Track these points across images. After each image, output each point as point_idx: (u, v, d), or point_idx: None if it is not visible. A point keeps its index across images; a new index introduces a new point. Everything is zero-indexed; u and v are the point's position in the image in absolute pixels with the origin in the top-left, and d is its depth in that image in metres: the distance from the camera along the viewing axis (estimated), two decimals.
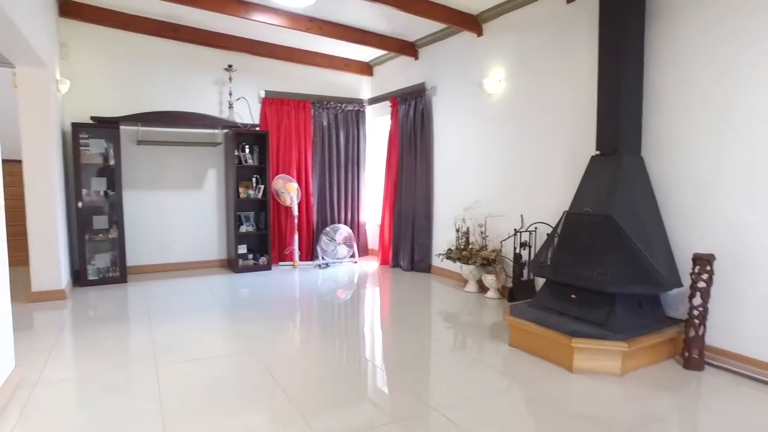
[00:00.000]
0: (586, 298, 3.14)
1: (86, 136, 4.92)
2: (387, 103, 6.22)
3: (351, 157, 6.68)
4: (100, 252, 5.11)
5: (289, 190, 5.96)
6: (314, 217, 6.49)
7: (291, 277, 5.61)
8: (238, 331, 3.68)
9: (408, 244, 5.83)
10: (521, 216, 4.44)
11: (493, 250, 4.61)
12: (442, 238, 5.45)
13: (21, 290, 4.54)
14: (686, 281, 3.11)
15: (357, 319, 4.13)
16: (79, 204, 4.89)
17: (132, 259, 5.57)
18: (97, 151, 4.99)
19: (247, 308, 4.33)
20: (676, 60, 3.23)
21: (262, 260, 5.94)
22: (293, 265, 6.12)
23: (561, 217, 3.42)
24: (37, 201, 4.31)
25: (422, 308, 4.37)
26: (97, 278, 5.04)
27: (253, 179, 5.86)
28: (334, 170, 6.56)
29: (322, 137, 6.47)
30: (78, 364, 3.05)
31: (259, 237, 6.01)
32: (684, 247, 3.21)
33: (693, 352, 2.99)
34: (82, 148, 4.90)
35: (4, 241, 2.65)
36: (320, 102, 6.39)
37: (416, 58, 5.80)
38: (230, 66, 5.76)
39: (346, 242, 6.37)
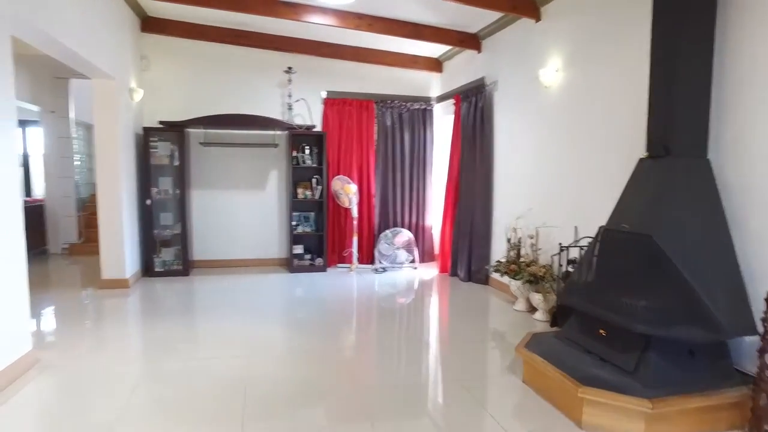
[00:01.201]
0: (616, 336, 2.51)
1: (156, 138, 5.34)
2: (452, 101, 5.81)
3: (416, 158, 6.38)
4: (165, 246, 5.52)
5: (347, 192, 5.87)
6: (375, 220, 6.32)
7: (343, 279, 5.51)
8: (284, 332, 3.66)
9: (466, 252, 5.37)
10: (575, 228, 3.78)
11: (543, 266, 4.00)
12: (501, 247, 4.91)
13: (96, 277, 5.07)
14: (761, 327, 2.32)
15: (390, 332, 3.86)
16: (148, 201, 5.32)
17: (198, 253, 5.94)
18: (164, 153, 5.38)
19: (296, 309, 4.36)
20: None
21: (318, 261, 5.94)
22: (350, 267, 6.02)
23: (597, 233, 2.79)
24: (106, 199, 4.76)
25: (461, 325, 3.96)
26: (162, 270, 5.45)
27: (313, 180, 5.88)
28: (397, 171, 6.32)
29: (386, 137, 6.26)
30: (102, 351, 3.25)
31: (317, 238, 6.02)
32: (764, 282, 2.41)
33: (763, 426, 2.21)
34: (151, 150, 5.33)
35: (22, 231, 2.89)
36: (384, 101, 6.20)
37: (479, 50, 5.31)
38: (290, 68, 5.83)
39: (406, 247, 6.09)
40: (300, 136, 5.83)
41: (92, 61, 4.03)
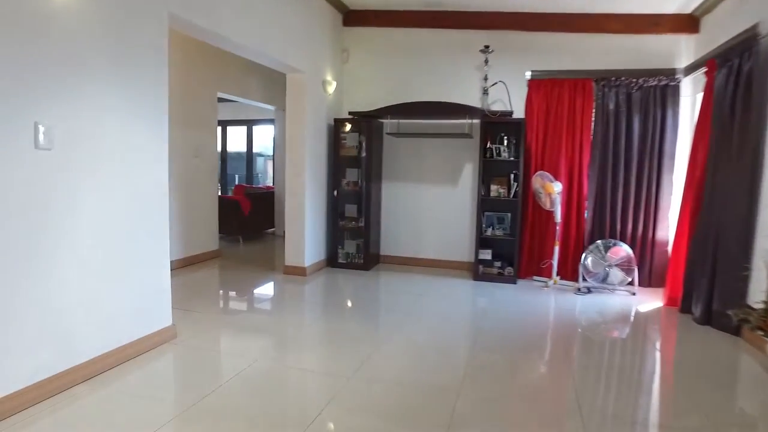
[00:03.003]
0: None
1: (347, 130, 5.33)
2: (702, 71, 4.15)
3: (649, 151, 4.83)
4: (349, 238, 5.48)
5: (548, 191, 4.82)
6: (586, 227, 5.06)
7: (536, 297, 4.53)
8: (458, 352, 3.15)
9: (706, 283, 3.73)
10: None
11: None
12: (763, 282, 3.21)
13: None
14: None
15: (585, 396, 2.88)
16: (335, 192, 5.36)
17: (382, 247, 5.76)
18: (353, 144, 5.33)
19: (476, 328, 3.68)
20: None
21: (508, 271, 5.06)
22: (546, 282, 4.95)
23: None
24: (292, 188, 4.94)
25: (695, 403, 2.57)
26: (345, 262, 5.44)
27: (511, 176, 5.04)
28: (620, 167, 4.91)
29: (606, 124, 4.93)
30: (242, 334, 3.26)
31: (509, 244, 5.14)
32: None
33: None
34: (342, 141, 5.34)
35: (166, 216, 3.03)
36: (607, 78, 4.87)
37: None
38: (487, 47, 5.07)
39: (623, 265, 4.68)
40: (495, 125, 5.05)
41: (278, 57, 4.18)
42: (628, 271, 4.67)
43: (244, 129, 9.63)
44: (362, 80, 5.68)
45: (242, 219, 6.75)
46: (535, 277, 5.18)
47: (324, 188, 5.36)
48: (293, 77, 4.80)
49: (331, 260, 5.49)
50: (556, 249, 4.93)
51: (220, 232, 6.86)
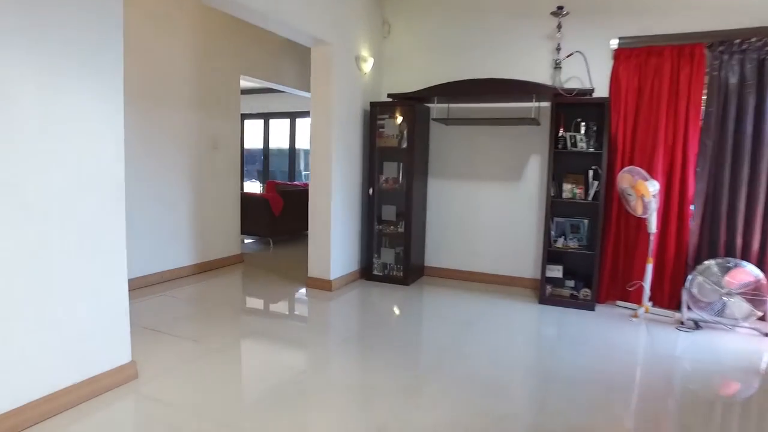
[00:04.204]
0: None
1: (385, 116, 4.45)
2: None
3: None
4: (387, 246, 4.60)
5: (639, 192, 3.70)
6: (691, 240, 3.87)
7: (622, 332, 3.43)
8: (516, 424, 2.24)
9: None
10: None
11: None
12: None
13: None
14: None
15: None
16: (370, 191, 4.49)
17: (429, 258, 4.83)
18: (392, 133, 4.44)
19: (545, 378, 2.70)
20: None
21: (584, 293, 3.98)
22: (636, 311, 3.82)
23: None
24: (317, 185, 4.13)
25: None
26: (380, 275, 4.56)
27: (590, 172, 3.96)
28: (743, 163, 3.67)
29: (724, 104, 3.71)
30: (207, 382, 2.48)
31: (586, 258, 4.05)
32: None
33: None
34: (380, 129, 4.47)
35: (122, 220, 2.30)
36: (727, 42, 3.66)
37: None
38: (560, 8, 4.00)
39: (748, 293, 3.47)
40: (570, 108, 3.98)
41: (294, 22, 3.38)
42: (756, 303, 3.46)
43: (286, 122, 9.02)
44: (405, 57, 4.78)
45: (272, 219, 6.06)
46: (620, 303, 4.05)
47: (357, 186, 4.52)
48: (318, 51, 3.99)
49: (365, 271, 4.64)
50: (649, 267, 3.79)
51: (249, 234, 6.24)
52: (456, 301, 4.03)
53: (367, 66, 4.41)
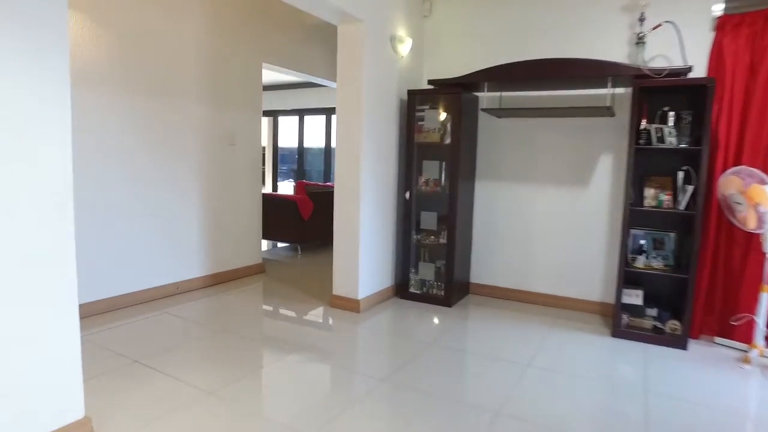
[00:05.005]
0: None
1: (425, 106, 3.78)
2: None
3: None
4: (426, 259, 3.92)
5: (753, 199, 2.86)
6: None
7: (736, 386, 2.60)
8: None
9: None
10: None
11: None
12: None
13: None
14: None
15: None
16: (407, 195, 3.83)
17: (476, 273, 4.12)
18: (432, 126, 3.77)
19: None
20: None
21: (672, 326, 3.17)
22: (746, 355, 2.97)
23: None
24: (342, 187, 3.52)
25: None
26: (418, 292, 3.89)
27: (680, 173, 3.15)
28: None
29: None
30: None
31: (674, 282, 3.24)
32: None
33: None
34: (419, 122, 3.80)
35: (70, 252, 1.75)
36: None
37: None
38: None
39: None
40: (656, 93, 3.18)
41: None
42: None
43: (322, 119, 8.49)
44: (449, 38, 4.09)
45: (301, 224, 5.51)
46: (719, 340, 3.21)
47: (391, 189, 3.87)
48: (347, 29, 3.37)
49: (400, 288, 3.98)
50: (765, 297, 2.94)
51: (277, 240, 5.73)
52: (509, 331, 3.30)
53: (405, 48, 3.76)
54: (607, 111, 3.26)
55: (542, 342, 3.11)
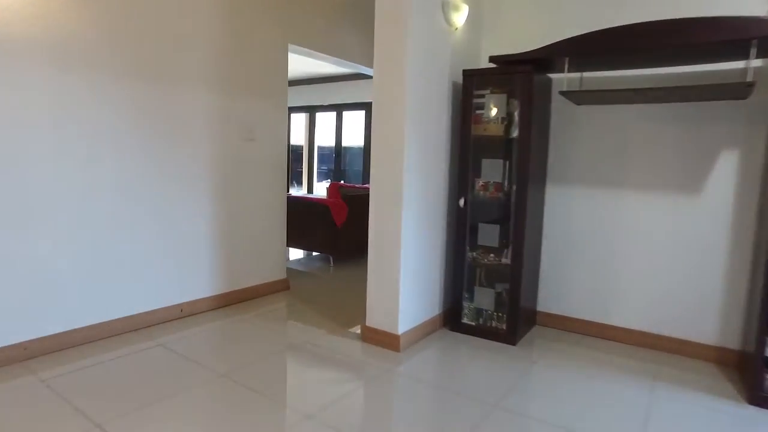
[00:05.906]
0: None
1: (485, 91, 2.99)
2: None
3: None
4: (484, 283, 3.13)
5: None
6: None
7: None
8: None
9: None
10: None
11: None
12: None
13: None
14: None
15: None
16: (461, 202, 3.05)
17: (546, 300, 3.30)
18: (497, 116, 2.97)
19: None
20: None
21: None
22: None
23: None
24: (380, 200, 2.78)
25: None
26: (473, 324, 3.11)
27: None
28: None
29: None
30: None
31: None
32: None
33: None
34: (477, 111, 3.02)
35: None
36: None
37: None
38: None
39: None
40: None
41: None
42: None
43: (361, 114, 7.81)
44: (516, 7, 3.30)
45: (334, 231, 4.83)
46: None
47: (441, 195, 3.10)
48: None
49: (451, 317, 3.21)
50: None
51: (310, 250, 5.10)
52: (597, 385, 2.47)
53: (460, 17, 2.98)
54: (746, 89, 2.37)
55: (648, 410, 2.26)
